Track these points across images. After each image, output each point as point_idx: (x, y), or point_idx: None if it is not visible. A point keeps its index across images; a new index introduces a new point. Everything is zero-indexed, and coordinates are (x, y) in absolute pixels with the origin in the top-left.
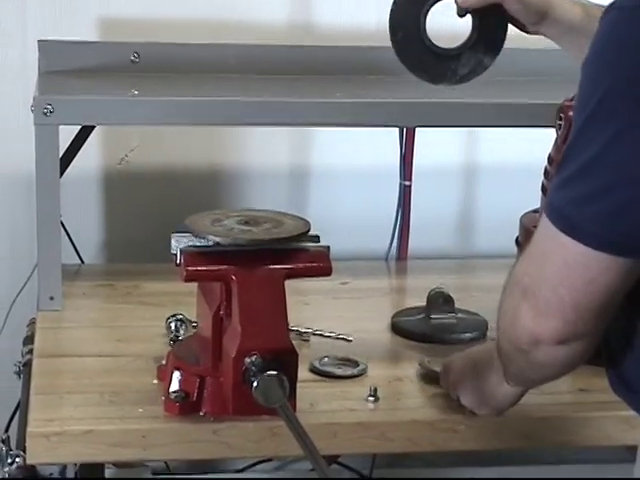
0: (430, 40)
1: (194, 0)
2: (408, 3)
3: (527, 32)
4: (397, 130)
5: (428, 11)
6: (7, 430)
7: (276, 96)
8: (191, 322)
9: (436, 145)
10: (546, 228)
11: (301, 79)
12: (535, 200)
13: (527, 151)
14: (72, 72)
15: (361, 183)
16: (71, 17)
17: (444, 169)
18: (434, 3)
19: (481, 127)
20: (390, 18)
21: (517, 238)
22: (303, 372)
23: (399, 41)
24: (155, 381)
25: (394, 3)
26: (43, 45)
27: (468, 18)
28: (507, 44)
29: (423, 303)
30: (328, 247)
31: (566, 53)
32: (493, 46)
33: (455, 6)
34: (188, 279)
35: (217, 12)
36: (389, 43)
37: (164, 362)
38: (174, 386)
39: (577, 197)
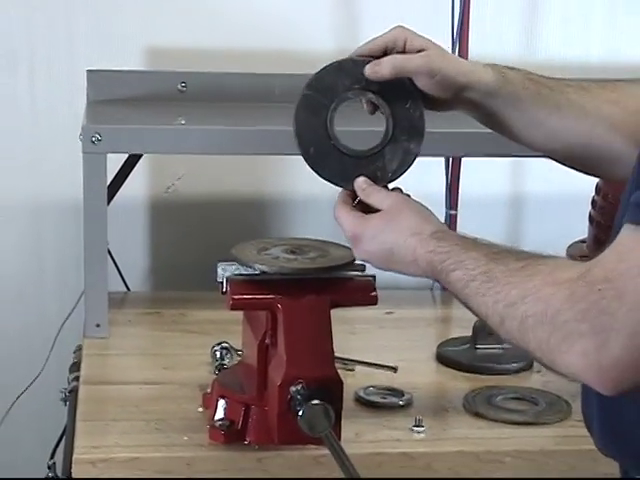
0: (346, 146)
1: (241, 30)
2: (308, 115)
3: (438, 110)
4: (443, 159)
5: (333, 117)
6: (53, 456)
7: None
8: (236, 350)
9: (482, 174)
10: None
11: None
12: (582, 231)
13: (574, 181)
14: (120, 101)
15: None
16: (119, 47)
17: (490, 198)
18: (335, 109)
19: (527, 157)
20: (296, 135)
21: None
22: (348, 401)
23: (314, 156)
24: (200, 409)
25: (294, 120)
26: (91, 75)
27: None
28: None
29: (468, 333)
30: (374, 276)
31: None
32: (414, 130)
33: (364, 105)
34: (234, 307)
35: (264, 42)
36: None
37: (209, 390)
38: (219, 414)
39: None
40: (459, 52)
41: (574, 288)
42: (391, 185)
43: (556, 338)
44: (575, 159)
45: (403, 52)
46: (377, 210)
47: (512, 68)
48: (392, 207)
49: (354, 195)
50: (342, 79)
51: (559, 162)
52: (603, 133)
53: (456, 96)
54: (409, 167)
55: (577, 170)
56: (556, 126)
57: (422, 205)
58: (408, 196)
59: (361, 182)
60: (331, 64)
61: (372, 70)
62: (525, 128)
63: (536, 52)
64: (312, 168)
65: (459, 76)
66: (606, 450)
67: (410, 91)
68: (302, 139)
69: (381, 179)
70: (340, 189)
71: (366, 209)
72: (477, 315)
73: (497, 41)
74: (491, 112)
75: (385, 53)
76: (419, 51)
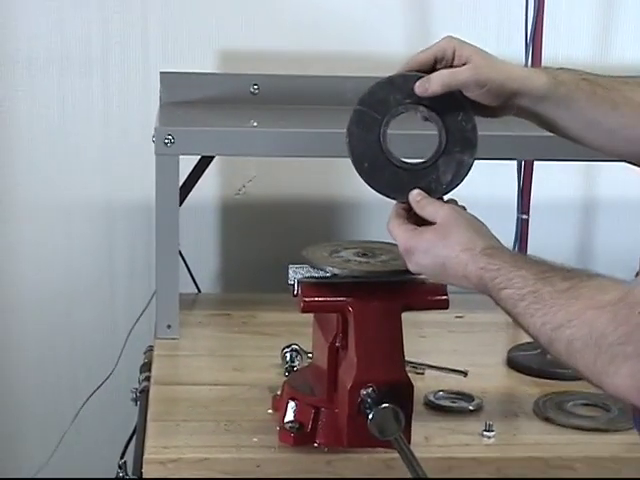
0: (399, 159)
1: (312, 32)
2: (361, 130)
3: (494, 116)
4: (515, 162)
5: (386, 132)
6: (123, 456)
7: (393, 129)
8: (306, 353)
9: (554, 178)
10: None
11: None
12: None
13: None
14: (192, 103)
15: (477, 215)
16: (192, 49)
17: (562, 203)
18: (388, 123)
19: (600, 162)
20: (349, 151)
21: (636, 276)
22: (418, 405)
23: (367, 171)
24: (270, 411)
25: (347, 136)
26: (164, 77)
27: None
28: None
29: None
30: None
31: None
32: (467, 142)
33: (418, 115)
34: (305, 310)
35: (335, 44)
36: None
37: (279, 392)
38: (289, 416)
39: None
40: (532, 55)
41: (616, 310)
42: (447, 197)
43: (602, 361)
44: (637, 156)
45: (452, 62)
46: (431, 223)
47: (567, 69)
48: (445, 221)
49: (408, 208)
50: (394, 94)
51: (625, 161)
52: None
53: (508, 102)
54: (463, 179)
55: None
56: (614, 124)
57: (475, 218)
58: (463, 208)
59: (415, 194)
60: (382, 79)
61: (422, 87)
62: (583, 129)
63: (610, 54)
64: (366, 182)
65: (508, 82)
66: None
67: (461, 103)
68: (356, 154)
69: (435, 191)
70: (394, 202)
71: (420, 222)
72: (527, 334)
73: (570, 43)
74: (545, 116)
75: (435, 63)
76: (466, 62)
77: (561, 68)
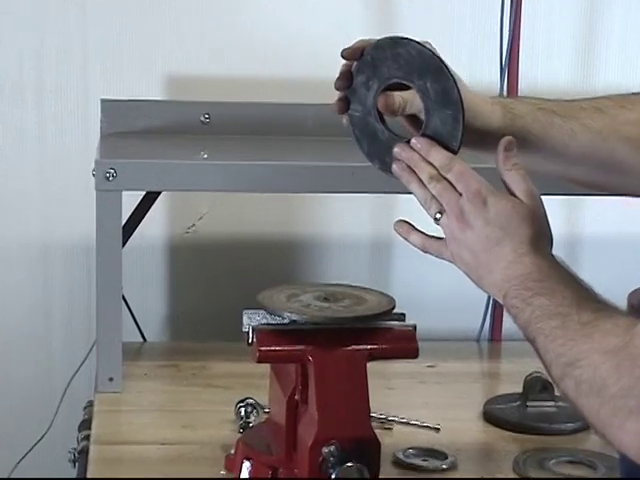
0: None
1: (268, 56)
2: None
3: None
4: None
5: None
6: None
7: (358, 161)
8: (263, 407)
9: None
10: None
11: None
12: None
13: (636, 220)
14: (137, 133)
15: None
16: (136, 74)
17: None
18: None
19: (583, 196)
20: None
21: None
22: (386, 465)
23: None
24: (223, 472)
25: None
26: (106, 104)
27: None
28: None
29: (519, 389)
30: (414, 326)
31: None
32: (446, 97)
33: None
34: (261, 360)
35: (293, 68)
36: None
37: (233, 451)
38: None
39: None
40: (508, 77)
41: (619, 360)
42: None
43: (605, 411)
44: (603, 184)
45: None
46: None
47: (522, 99)
48: (529, 200)
49: None
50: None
51: (586, 186)
52: (626, 154)
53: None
54: (458, 136)
55: (601, 193)
56: (574, 154)
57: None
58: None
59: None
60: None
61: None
62: (541, 161)
63: (592, 76)
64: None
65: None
66: None
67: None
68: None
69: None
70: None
71: None
72: (539, 355)
73: (550, 65)
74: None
75: None
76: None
77: (517, 98)
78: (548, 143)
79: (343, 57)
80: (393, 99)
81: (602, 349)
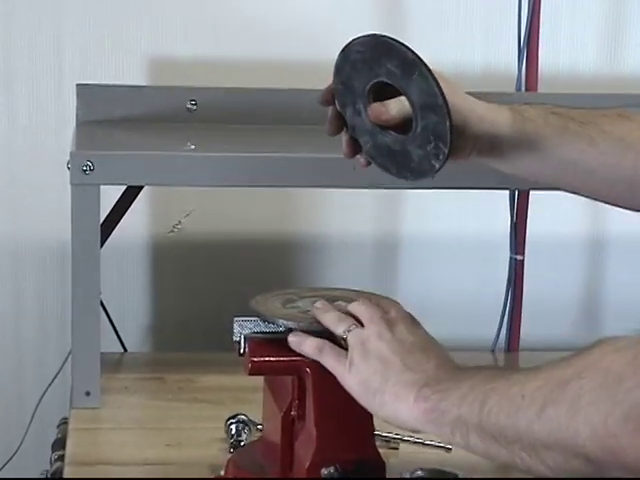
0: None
1: (261, 38)
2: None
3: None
4: (507, 193)
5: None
6: None
7: None
8: (255, 424)
9: (554, 212)
10: None
11: None
12: None
13: None
14: (116, 122)
15: (463, 256)
16: (116, 57)
17: (564, 241)
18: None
19: None
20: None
21: None
22: None
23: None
24: None
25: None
26: (82, 90)
27: None
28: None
29: None
30: None
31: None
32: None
33: None
34: (254, 372)
35: (291, 52)
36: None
37: (222, 472)
38: None
39: None
40: (527, 62)
41: (636, 352)
42: None
43: (616, 416)
44: (621, 197)
45: None
46: None
47: (533, 104)
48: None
49: None
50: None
51: (603, 202)
52: None
53: (470, 145)
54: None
55: (626, 209)
56: (593, 163)
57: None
58: None
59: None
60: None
61: (377, 112)
62: (557, 171)
63: (620, 62)
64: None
65: (473, 121)
66: None
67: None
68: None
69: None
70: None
71: None
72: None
73: (572, 51)
74: (511, 159)
75: None
76: None
77: (527, 103)
78: (563, 149)
79: (323, 105)
80: (379, 107)
81: (613, 349)
